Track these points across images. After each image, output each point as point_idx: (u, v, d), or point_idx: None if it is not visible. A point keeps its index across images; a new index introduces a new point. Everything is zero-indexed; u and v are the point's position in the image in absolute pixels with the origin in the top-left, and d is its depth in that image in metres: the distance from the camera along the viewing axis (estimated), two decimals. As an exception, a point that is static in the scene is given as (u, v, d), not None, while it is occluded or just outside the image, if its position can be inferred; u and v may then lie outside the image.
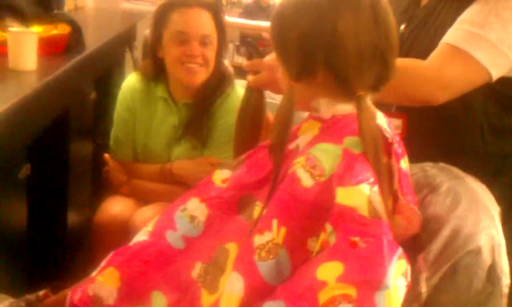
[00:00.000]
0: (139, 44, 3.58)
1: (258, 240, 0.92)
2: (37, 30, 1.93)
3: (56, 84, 1.88)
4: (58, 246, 2.19)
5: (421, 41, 1.28)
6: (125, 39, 3.33)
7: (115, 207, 1.75)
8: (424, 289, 0.94)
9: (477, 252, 0.92)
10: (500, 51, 1.18)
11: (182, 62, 1.67)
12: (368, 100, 0.96)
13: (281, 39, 1.00)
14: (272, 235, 0.91)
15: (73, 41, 2.19)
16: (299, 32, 0.96)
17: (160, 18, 1.73)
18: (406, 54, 1.30)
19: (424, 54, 1.23)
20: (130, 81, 1.87)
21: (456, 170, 1.05)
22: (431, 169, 1.10)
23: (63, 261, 2.23)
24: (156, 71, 1.81)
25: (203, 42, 1.67)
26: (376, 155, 0.93)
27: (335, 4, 0.95)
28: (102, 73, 2.83)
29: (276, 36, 1.02)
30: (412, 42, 1.26)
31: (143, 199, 1.78)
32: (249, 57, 5.17)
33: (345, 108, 0.99)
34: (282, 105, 0.97)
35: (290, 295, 0.86)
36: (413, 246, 0.92)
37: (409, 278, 0.87)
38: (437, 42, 1.25)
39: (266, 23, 5.56)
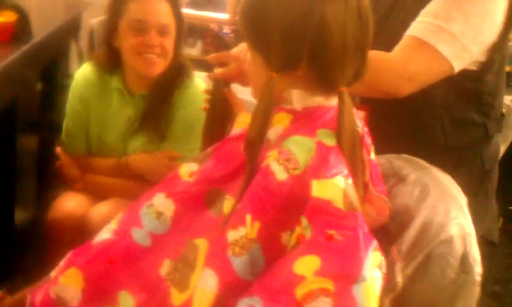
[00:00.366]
0: (84, 34, 3.48)
1: (232, 235, 0.91)
2: (-19, 17, 1.84)
3: (2, 74, 1.80)
4: (6, 244, 2.11)
5: (386, 32, 1.28)
6: (71, 29, 3.22)
7: (69, 203, 1.69)
8: (399, 279, 0.95)
9: (449, 241, 0.94)
10: (462, 44, 1.20)
11: (140, 52, 1.63)
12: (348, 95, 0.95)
13: (260, 29, 0.96)
14: (246, 230, 0.90)
15: (20, 29, 2.10)
16: (285, 22, 0.93)
17: (117, 6, 1.67)
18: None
19: (389, 45, 1.23)
20: (84, 71, 1.80)
21: (421, 161, 1.07)
22: (396, 160, 1.11)
23: (12, 259, 2.15)
24: (111, 62, 1.75)
25: (162, 32, 1.63)
26: (354, 148, 0.93)
27: None
28: (48, 63, 2.73)
29: (253, 25, 0.98)
30: (377, 33, 1.26)
31: (98, 194, 1.72)
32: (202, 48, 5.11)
33: (317, 100, 0.98)
34: (262, 97, 0.94)
35: (267, 291, 0.85)
36: (385, 237, 0.93)
37: (384, 269, 0.88)
38: (402, 33, 1.27)
39: (216, 14, 5.53)
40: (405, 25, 1.27)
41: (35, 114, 2.43)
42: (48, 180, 3.00)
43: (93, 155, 1.80)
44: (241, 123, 1.10)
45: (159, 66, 1.66)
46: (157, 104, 1.71)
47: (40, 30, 2.34)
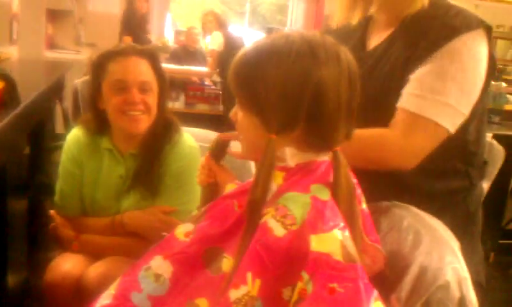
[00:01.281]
0: (67, 94, 3.53)
1: (234, 294, 0.91)
2: (-31, 87, 1.86)
3: (-7, 141, 1.82)
4: (-1, 309, 2.09)
5: (369, 87, 1.29)
6: (55, 90, 3.26)
7: (65, 265, 1.67)
8: (400, 328, 0.97)
9: (446, 286, 0.96)
10: (458, 112, 1.25)
11: (123, 111, 1.65)
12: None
13: (257, 94, 0.98)
14: (247, 288, 0.91)
15: (8, 96, 2.13)
16: (284, 87, 0.95)
17: (98, 69, 1.69)
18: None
19: (372, 101, 1.25)
20: (75, 134, 1.81)
21: (411, 207, 1.09)
22: (387, 207, 1.14)
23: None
24: (99, 124, 1.76)
25: (143, 89, 1.66)
26: (350, 203, 0.97)
27: (318, 56, 0.96)
28: (35, 126, 2.76)
29: (249, 90, 1.00)
30: (365, 83, 1.31)
31: (94, 254, 1.73)
32: (185, 101, 5.17)
33: (308, 156, 1.01)
34: (264, 158, 0.96)
35: None
36: (382, 285, 0.95)
37: None
38: (385, 89, 1.31)
39: (197, 68, 5.62)
40: (389, 81, 1.32)
41: (24, 176, 2.45)
42: (40, 241, 2.99)
43: (87, 215, 1.81)
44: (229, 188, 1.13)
45: (143, 122, 1.68)
46: (148, 162, 1.72)
47: (27, 94, 2.37)
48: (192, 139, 1.80)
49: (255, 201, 0.95)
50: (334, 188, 0.97)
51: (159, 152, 1.72)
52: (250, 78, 0.99)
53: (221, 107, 5.18)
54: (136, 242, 1.66)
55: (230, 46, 5.35)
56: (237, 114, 1.05)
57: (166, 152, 1.73)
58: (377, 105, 1.29)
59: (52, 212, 1.77)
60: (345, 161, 0.98)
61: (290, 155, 1.00)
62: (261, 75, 0.97)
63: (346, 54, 0.99)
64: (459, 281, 0.96)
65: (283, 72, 0.95)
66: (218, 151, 1.28)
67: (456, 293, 0.95)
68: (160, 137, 1.73)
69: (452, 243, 1.01)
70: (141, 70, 1.66)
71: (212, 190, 1.23)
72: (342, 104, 0.97)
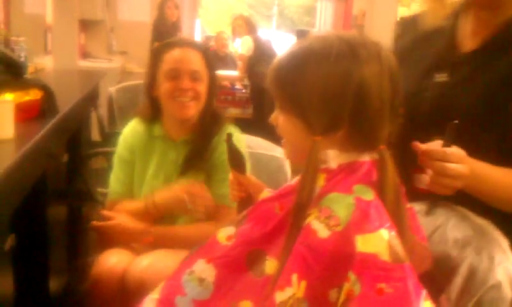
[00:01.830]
0: (101, 102, 3.59)
1: (280, 296, 0.91)
2: (10, 97, 1.90)
3: (33, 150, 1.86)
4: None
5: (465, 97, 1.23)
6: (91, 99, 3.32)
7: (111, 259, 1.72)
8: (452, 329, 0.96)
9: (498, 286, 0.94)
10: None
11: (174, 96, 1.76)
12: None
13: (299, 96, 0.98)
14: (293, 290, 0.91)
15: (46, 105, 2.17)
16: (326, 87, 0.95)
17: (155, 59, 1.82)
18: (445, 109, 1.23)
19: (466, 113, 1.18)
20: (131, 124, 1.93)
21: (458, 207, 1.07)
22: (430, 207, 1.12)
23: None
24: (152, 111, 1.87)
25: (194, 78, 1.77)
26: (397, 203, 0.96)
27: (360, 56, 0.95)
28: (72, 134, 2.81)
29: (290, 92, 0.99)
30: (453, 98, 1.21)
31: (170, 247, 1.75)
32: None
33: (350, 156, 1.01)
34: (309, 161, 0.96)
35: None
36: (431, 286, 0.93)
37: None
38: (482, 102, 1.20)
39: (227, 72, 5.65)
40: (489, 92, 1.20)
41: (63, 184, 2.49)
42: (79, 247, 3.05)
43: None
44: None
45: (191, 109, 1.78)
46: (199, 147, 1.81)
47: (64, 103, 2.42)
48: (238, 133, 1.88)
49: (302, 204, 0.95)
50: (380, 187, 0.96)
51: (209, 139, 1.81)
52: (291, 81, 0.99)
53: (251, 111, 5.20)
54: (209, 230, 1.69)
55: (260, 50, 5.36)
56: (278, 118, 1.05)
57: (215, 141, 1.82)
58: (475, 116, 1.20)
59: (105, 212, 1.80)
60: (391, 160, 0.97)
61: (333, 157, 0.99)
62: (302, 78, 0.97)
63: (386, 51, 0.99)
64: (510, 280, 0.94)
65: (324, 74, 0.95)
66: (238, 165, 1.32)
67: (508, 293, 0.93)
68: (210, 125, 1.83)
69: (502, 242, 0.99)
70: (193, 60, 1.79)
71: (246, 204, 1.24)
72: (385, 102, 0.96)
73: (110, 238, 1.81)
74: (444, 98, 1.26)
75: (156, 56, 1.82)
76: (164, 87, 1.77)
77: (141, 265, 1.65)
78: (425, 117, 1.27)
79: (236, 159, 1.35)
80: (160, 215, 1.79)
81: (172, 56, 1.78)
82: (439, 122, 1.14)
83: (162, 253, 1.70)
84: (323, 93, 0.95)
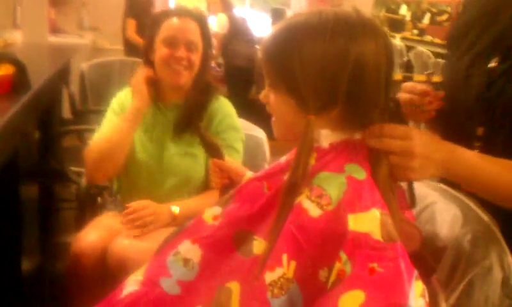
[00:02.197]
0: (74, 78, 3.51)
1: (270, 277, 0.90)
2: (-20, 72, 1.84)
3: (5, 127, 1.81)
4: (13, 294, 2.09)
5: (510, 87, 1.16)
6: (62, 75, 3.24)
7: (91, 235, 1.72)
8: (444, 309, 0.96)
9: (488, 267, 0.94)
10: None
11: (169, 64, 1.80)
12: None
13: (294, 74, 0.95)
14: (283, 270, 0.89)
15: (18, 81, 2.11)
16: (322, 66, 0.92)
17: (155, 25, 1.87)
18: (495, 96, 1.16)
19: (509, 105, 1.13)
20: (126, 89, 1.94)
21: (449, 189, 1.06)
22: (420, 186, 1.11)
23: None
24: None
25: (189, 48, 1.82)
26: (390, 181, 0.94)
27: (356, 33, 0.93)
28: (43, 111, 2.74)
29: (284, 70, 0.96)
30: (505, 83, 1.14)
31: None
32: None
33: (342, 135, 0.98)
34: (304, 141, 0.94)
35: None
36: (421, 267, 0.92)
37: (427, 298, 0.88)
38: None
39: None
40: None
41: (35, 163, 2.43)
42: (52, 227, 2.99)
43: (131, 163, 1.84)
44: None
45: (184, 77, 1.83)
46: (191, 110, 1.85)
47: (35, 79, 2.35)
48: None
49: (295, 183, 0.93)
50: (373, 164, 0.95)
51: (201, 104, 1.87)
52: (284, 58, 0.96)
53: (225, 89, 5.15)
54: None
55: (234, 28, 5.31)
56: (269, 96, 1.02)
57: (208, 108, 1.87)
58: None
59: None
60: None
61: (325, 136, 0.97)
62: (296, 55, 0.94)
63: (381, 28, 0.96)
64: (501, 260, 0.94)
65: (320, 51, 0.93)
66: (215, 153, 1.32)
67: (499, 274, 0.93)
68: (202, 92, 1.88)
69: (490, 223, 0.99)
70: (191, 30, 1.85)
71: (229, 190, 1.22)
72: (381, 79, 0.95)
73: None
74: (491, 86, 1.18)
75: (155, 23, 1.87)
76: (160, 53, 1.82)
77: (123, 243, 1.64)
78: (470, 105, 1.21)
79: (212, 148, 1.36)
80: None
81: (171, 24, 1.83)
82: (483, 112, 1.13)
83: (142, 232, 1.69)
84: (320, 70, 0.93)
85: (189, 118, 1.85)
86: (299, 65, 0.94)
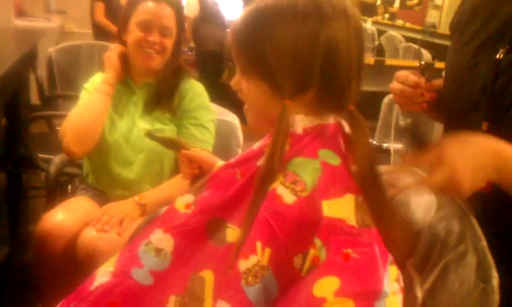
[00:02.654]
0: (41, 63, 3.42)
1: (244, 264, 0.88)
2: None
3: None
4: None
5: None
6: (29, 60, 3.15)
7: (58, 215, 1.70)
8: (419, 294, 0.95)
9: (463, 252, 0.94)
10: None
11: (141, 46, 1.82)
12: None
13: (266, 59, 0.93)
14: (257, 258, 0.88)
15: (-20, 66, 2.04)
16: (294, 49, 0.91)
17: (131, 6, 1.87)
18: (502, 86, 1.11)
19: None
20: (96, 74, 1.95)
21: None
22: (393, 170, 1.10)
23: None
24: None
25: (163, 33, 1.84)
26: (370, 163, 0.94)
27: (326, 14, 0.91)
28: (10, 97, 2.67)
29: (256, 55, 0.94)
30: (507, 79, 1.10)
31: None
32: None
33: (315, 119, 0.97)
34: (279, 127, 0.92)
35: None
36: (395, 251, 0.92)
37: (401, 283, 0.88)
38: None
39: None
40: None
41: (2, 150, 2.38)
42: (21, 215, 2.93)
43: (103, 142, 1.83)
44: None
45: (156, 61, 1.84)
46: (161, 89, 1.88)
47: (0, 64, 2.28)
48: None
49: (271, 169, 0.92)
50: (353, 146, 0.94)
51: (171, 83, 1.90)
52: (256, 43, 0.94)
53: (197, 74, 5.10)
54: None
55: (205, 11, 5.25)
56: (240, 82, 1.00)
57: (184, 89, 1.90)
58: None
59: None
60: (362, 119, 0.95)
61: (299, 122, 0.96)
62: (267, 39, 0.92)
63: (351, 7, 0.95)
64: (475, 246, 0.93)
65: (292, 34, 0.91)
66: (177, 146, 1.33)
67: (473, 258, 0.93)
68: (174, 74, 1.91)
69: (466, 209, 0.98)
70: (166, 15, 1.86)
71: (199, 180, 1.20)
72: (353, 60, 0.93)
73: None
74: (498, 78, 1.12)
75: (132, 4, 1.88)
76: (133, 35, 1.84)
77: (92, 234, 1.61)
78: (475, 98, 1.16)
79: (172, 144, 1.38)
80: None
81: (146, 8, 1.84)
82: (489, 106, 1.09)
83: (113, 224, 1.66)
84: (292, 53, 0.91)
85: (159, 97, 1.87)
86: (271, 49, 0.92)
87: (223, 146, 1.95)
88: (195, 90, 1.91)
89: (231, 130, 2.01)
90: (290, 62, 0.91)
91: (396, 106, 2.54)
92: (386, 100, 2.56)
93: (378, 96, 2.56)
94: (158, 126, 1.84)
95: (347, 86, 0.94)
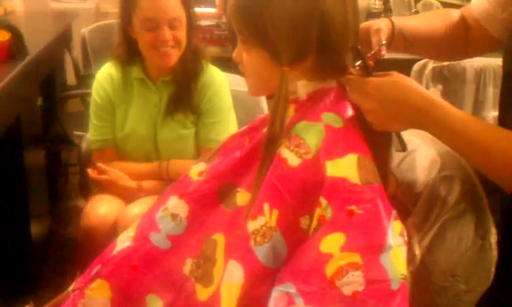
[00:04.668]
0: (76, 43, 3.51)
1: (252, 225, 0.92)
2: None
3: (3, 92, 1.83)
4: (24, 258, 2.15)
5: None
6: (63, 41, 3.24)
7: (101, 208, 1.71)
8: (417, 251, 0.97)
9: (462, 210, 0.95)
10: None
11: (155, 46, 1.69)
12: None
13: (265, 27, 0.94)
14: (265, 219, 0.92)
15: (15, 47, 2.12)
16: (292, 15, 0.92)
17: (128, 3, 1.72)
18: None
19: None
20: (105, 69, 1.83)
21: (429, 134, 1.05)
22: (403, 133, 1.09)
23: (32, 273, 2.19)
24: (130, 53, 1.79)
25: (173, 25, 1.69)
26: (366, 124, 0.95)
27: None
28: (45, 77, 2.76)
29: (255, 24, 0.96)
30: None
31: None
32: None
33: (317, 84, 0.99)
34: (279, 93, 0.95)
35: (298, 275, 0.86)
36: (400, 213, 0.93)
37: (406, 237, 0.89)
38: None
39: (204, 10, 5.52)
40: None
41: (39, 128, 2.46)
42: (60, 191, 3.04)
43: (122, 149, 1.81)
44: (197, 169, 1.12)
45: (174, 56, 1.72)
46: (182, 86, 1.77)
47: (34, 45, 2.36)
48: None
49: (274, 136, 0.95)
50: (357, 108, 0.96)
51: (192, 77, 1.78)
52: (255, 12, 0.96)
53: (231, 49, 5.12)
54: None
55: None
56: (241, 54, 1.02)
57: (198, 79, 1.79)
58: None
59: (99, 165, 1.77)
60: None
61: (302, 87, 0.98)
62: (266, 8, 0.94)
63: None
64: (474, 204, 0.94)
65: (290, 1, 0.93)
66: None
67: (472, 217, 0.93)
68: (191, 63, 1.78)
69: (468, 167, 0.98)
70: (170, 6, 1.69)
71: None
72: (349, 25, 0.95)
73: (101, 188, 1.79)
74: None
75: (129, 1, 1.71)
76: (143, 38, 1.70)
77: (133, 213, 1.63)
78: None
79: None
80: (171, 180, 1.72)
81: (147, 3, 1.67)
82: None
83: (152, 200, 1.68)
84: (291, 20, 0.93)
85: (181, 95, 1.77)
86: (270, 17, 0.94)
87: (248, 117, 1.97)
88: (215, 87, 1.80)
89: (256, 102, 2.03)
90: (289, 28, 0.93)
91: (426, 74, 2.50)
92: (415, 67, 2.52)
93: (409, 64, 2.52)
94: (181, 132, 1.79)
95: (344, 50, 0.96)
